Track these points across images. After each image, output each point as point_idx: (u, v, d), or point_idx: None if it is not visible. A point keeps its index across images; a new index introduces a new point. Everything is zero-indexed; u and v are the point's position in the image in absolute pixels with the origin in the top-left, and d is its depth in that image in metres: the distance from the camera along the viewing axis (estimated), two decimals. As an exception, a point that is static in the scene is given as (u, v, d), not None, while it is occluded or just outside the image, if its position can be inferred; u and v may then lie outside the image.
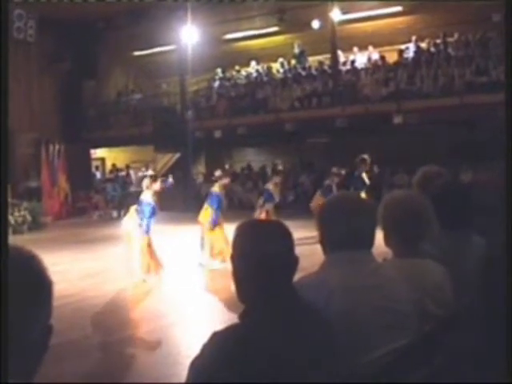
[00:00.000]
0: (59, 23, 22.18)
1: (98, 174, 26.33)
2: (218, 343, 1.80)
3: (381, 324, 2.12)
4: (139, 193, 10.61)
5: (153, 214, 9.87)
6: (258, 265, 1.85)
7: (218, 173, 12.04)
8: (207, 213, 11.30)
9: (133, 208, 10.16)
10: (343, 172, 14.13)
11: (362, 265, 2.21)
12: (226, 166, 13.34)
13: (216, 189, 11.49)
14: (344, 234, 2.20)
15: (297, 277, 1.98)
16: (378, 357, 2.06)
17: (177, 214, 18.78)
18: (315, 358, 1.83)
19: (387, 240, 2.59)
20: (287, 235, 1.94)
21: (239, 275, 1.92)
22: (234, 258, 1.94)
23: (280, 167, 13.23)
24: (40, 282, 1.16)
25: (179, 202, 20.85)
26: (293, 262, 1.91)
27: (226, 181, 11.70)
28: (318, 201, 12.93)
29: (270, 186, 12.34)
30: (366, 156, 13.84)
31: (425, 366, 1.77)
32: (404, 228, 2.54)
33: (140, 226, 9.86)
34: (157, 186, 10.18)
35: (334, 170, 14.01)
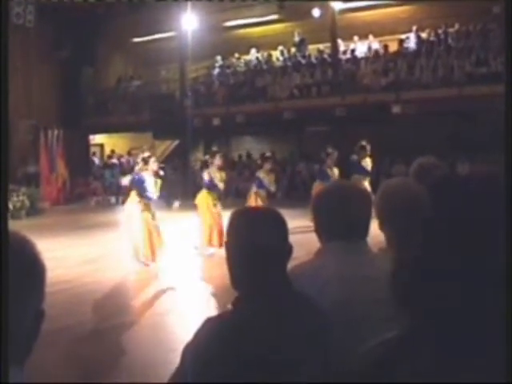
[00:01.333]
0: (59, 9, 22.03)
1: (97, 160, 26.29)
2: (213, 330, 1.80)
3: (375, 315, 2.12)
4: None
5: (144, 186, 9.82)
6: (252, 252, 1.86)
7: (206, 157, 11.99)
8: (202, 196, 11.33)
9: (133, 192, 10.16)
10: (334, 152, 13.65)
11: (358, 255, 2.21)
12: (214, 148, 13.13)
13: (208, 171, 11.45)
14: (339, 223, 2.19)
15: (290, 265, 1.99)
16: (372, 347, 2.06)
17: (175, 200, 18.70)
18: (309, 346, 1.84)
19: (382, 228, 2.56)
20: (281, 223, 1.94)
21: (233, 262, 1.92)
22: (228, 245, 1.94)
23: (268, 154, 13.10)
24: (33, 267, 1.16)
25: (177, 188, 20.82)
26: (287, 249, 1.92)
27: (217, 162, 11.45)
28: (317, 188, 12.82)
29: (260, 173, 12.34)
30: (364, 142, 13.81)
31: (417, 359, 1.77)
32: (400, 217, 2.51)
33: (144, 197, 9.87)
34: (154, 165, 10.13)
35: (327, 151, 13.70)
